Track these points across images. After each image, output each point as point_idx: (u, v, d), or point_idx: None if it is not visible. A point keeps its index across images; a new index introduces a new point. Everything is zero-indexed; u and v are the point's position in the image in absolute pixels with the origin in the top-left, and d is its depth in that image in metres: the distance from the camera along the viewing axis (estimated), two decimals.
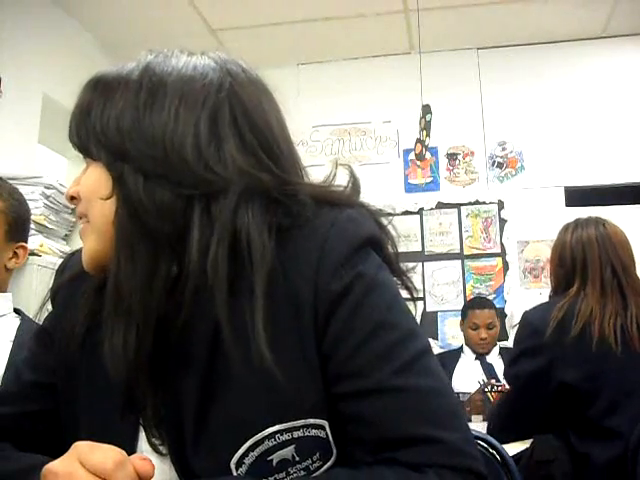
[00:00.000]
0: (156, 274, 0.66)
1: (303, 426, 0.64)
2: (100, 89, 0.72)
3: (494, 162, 4.16)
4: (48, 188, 2.53)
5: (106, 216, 0.69)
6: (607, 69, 4.10)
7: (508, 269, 4.00)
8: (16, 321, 1.52)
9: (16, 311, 1.56)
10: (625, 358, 1.71)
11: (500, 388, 2.63)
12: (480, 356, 3.28)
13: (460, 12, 3.80)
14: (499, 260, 4.02)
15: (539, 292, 3.82)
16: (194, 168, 0.66)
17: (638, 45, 4.09)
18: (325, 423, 0.65)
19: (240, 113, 0.71)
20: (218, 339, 0.65)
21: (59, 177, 2.72)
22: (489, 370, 3.18)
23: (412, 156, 4.03)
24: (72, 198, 0.74)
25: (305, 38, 4.06)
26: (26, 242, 1.57)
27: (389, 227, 0.74)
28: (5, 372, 1.33)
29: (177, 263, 0.67)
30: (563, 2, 3.73)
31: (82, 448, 0.57)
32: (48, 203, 2.53)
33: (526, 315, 1.91)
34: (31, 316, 1.49)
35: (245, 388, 0.65)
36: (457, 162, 4.20)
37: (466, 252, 4.07)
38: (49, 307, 0.84)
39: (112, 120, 0.69)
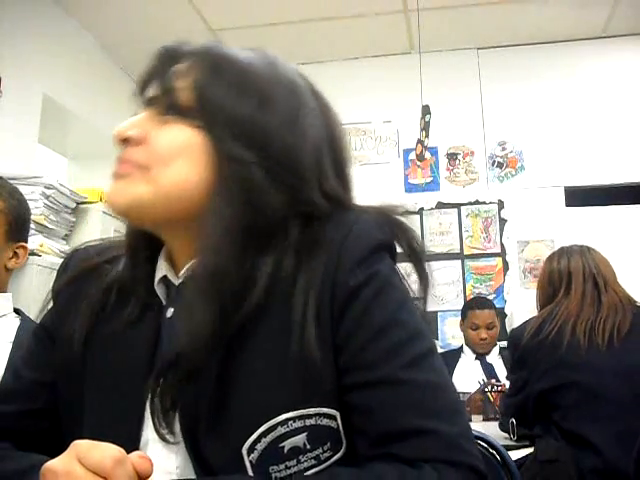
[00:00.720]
0: (244, 263, 0.67)
1: (316, 414, 0.65)
2: (216, 66, 0.72)
3: (494, 162, 4.16)
4: (48, 188, 2.53)
5: (182, 181, 0.69)
6: (607, 69, 4.10)
7: (508, 269, 4.00)
8: (16, 321, 1.52)
9: (16, 311, 1.56)
10: (592, 362, 1.80)
11: (500, 388, 2.63)
12: (480, 356, 3.28)
13: (460, 12, 3.80)
14: (499, 260, 4.02)
15: None
16: (309, 186, 0.71)
17: (638, 45, 4.09)
18: (337, 414, 0.66)
19: (328, 137, 0.75)
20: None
21: (59, 177, 2.73)
22: (489, 370, 3.18)
23: (412, 156, 4.03)
24: (125, 140, 0.71)
25: (305, 38, 4.06)
26: (26, 242, 1.57)
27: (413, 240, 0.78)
28: (5, 373, 1.33)
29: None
30: (563, 2, 3.73)
31: (81, 446, 0.57)
32: (48, 203, 2.53)
33: (511, 333, 2.13)
34: (31, 316, 1.49)
35: (263, 375, 0.66)
36: (457, 162, 4.20)
37: (466, 252, 4.07)
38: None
39: (242, 103, 0.70)
